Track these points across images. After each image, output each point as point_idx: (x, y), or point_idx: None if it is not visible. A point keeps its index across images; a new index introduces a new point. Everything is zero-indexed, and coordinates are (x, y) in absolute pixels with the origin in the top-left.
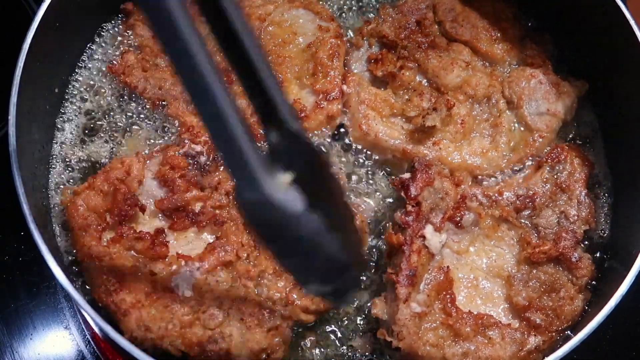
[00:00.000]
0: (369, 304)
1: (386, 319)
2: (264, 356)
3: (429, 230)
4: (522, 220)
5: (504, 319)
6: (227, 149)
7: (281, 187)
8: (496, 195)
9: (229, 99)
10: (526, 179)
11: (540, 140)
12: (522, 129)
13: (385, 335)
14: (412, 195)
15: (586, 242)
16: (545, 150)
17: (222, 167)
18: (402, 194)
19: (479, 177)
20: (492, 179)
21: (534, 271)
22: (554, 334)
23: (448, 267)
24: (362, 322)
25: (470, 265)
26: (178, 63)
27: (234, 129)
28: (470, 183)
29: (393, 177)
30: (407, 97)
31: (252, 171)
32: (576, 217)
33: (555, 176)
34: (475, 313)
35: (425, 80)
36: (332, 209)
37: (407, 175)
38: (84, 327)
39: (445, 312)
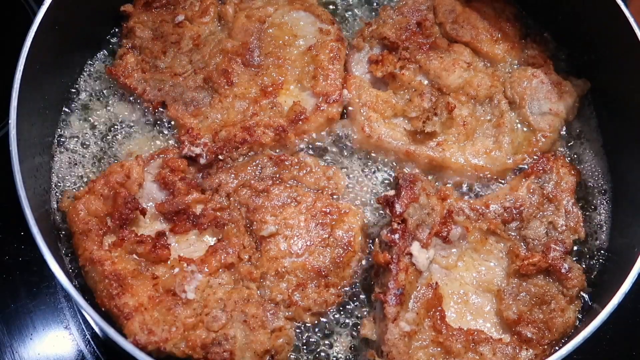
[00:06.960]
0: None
1: (375, 339)
2: (268, 357)
3: (415, 247)
4: (510, 233)
5: (495, 333)
6: None
7: None
8: (483, 208)
9: None
10: (512, 191)
11: (544, 140)
12: (524, 129)
13: (375, 356)
14: (398, 213)
15: (586, 243)
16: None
17: (222, 169)
18: (388, 211)
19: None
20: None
21: (524, 284)
22: (545, 347)
23: (437, 283)
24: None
25: (459, 280)
26: None
27: None
28: (456, 197)
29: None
30: (407, 97)
31: None
32: (564, 227)
33: (541, 187)
34: (465, 329)
35: (426, 81)
36: None
37: (391, 193)
38: (84, 327)
39: (435, 329)
